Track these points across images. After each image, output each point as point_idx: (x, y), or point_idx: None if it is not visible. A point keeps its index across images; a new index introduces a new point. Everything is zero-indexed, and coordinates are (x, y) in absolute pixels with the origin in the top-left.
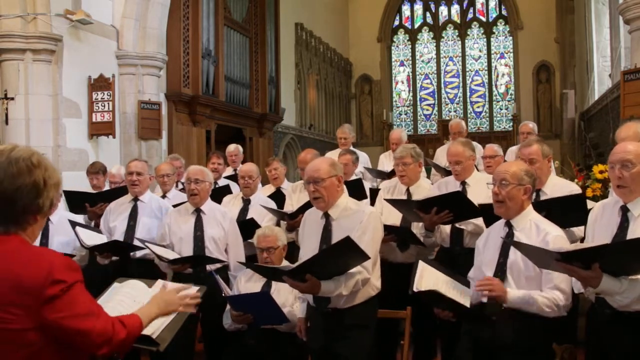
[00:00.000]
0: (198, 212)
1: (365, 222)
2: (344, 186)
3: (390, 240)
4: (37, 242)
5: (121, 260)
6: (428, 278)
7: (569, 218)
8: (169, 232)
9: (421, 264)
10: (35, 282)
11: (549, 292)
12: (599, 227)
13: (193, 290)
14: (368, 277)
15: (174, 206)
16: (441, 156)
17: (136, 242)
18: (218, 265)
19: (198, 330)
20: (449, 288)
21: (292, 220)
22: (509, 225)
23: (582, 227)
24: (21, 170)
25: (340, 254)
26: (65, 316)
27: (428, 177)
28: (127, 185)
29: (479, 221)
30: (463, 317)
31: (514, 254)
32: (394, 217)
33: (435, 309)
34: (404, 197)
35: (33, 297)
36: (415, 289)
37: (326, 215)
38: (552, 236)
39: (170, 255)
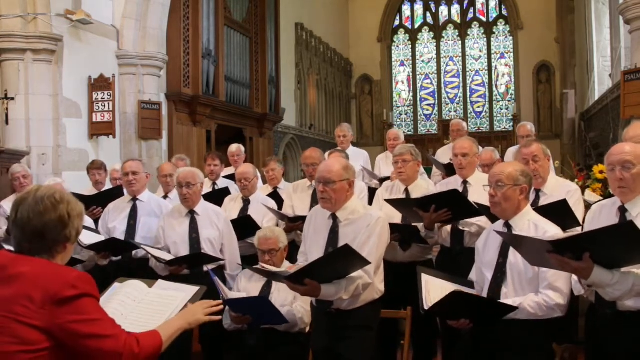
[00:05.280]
0: (192, 213)
1: (372, 226)
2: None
3: (394, 239)
4: None
5: (122, 261)
6: (435, 291)
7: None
8: (164, 235)
9: (424, 277)
10: (54, 283)
11: (540, 295)
12: (597, 227)
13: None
14: (369, 282)
15: None
16: (442, 156)
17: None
18: (214, 265)
19: (195, 330)
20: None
21: (291, 224)
22: (507, 225)
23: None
24: (47, 208)
25: (339, 261)
26: (75, 320)
27: (429, 176)
28: (124, 186)
29: (482, 223)
30: (482, 317)
31: (514, 255)
32: (395, 218)
33: (449, 322)
34: (403, 196)
35: (49, 295)
36: (426, 307)
37: (334, 217)
38: (551, 235)
39: (167, 256)
